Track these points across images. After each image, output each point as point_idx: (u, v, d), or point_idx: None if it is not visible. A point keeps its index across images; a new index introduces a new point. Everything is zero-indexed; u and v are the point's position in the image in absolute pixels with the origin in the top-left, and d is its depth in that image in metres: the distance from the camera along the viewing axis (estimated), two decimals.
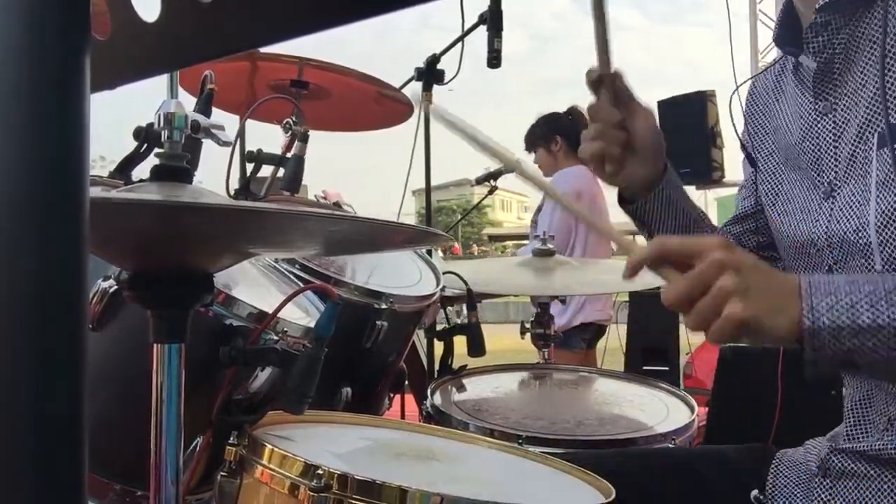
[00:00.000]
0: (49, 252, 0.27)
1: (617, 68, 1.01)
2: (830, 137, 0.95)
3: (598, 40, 0.99)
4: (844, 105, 0.93)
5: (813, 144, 0.97)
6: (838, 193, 0.93)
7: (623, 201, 1.12)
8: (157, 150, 0.82)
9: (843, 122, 0.93)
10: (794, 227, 1.00)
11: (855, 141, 0.91)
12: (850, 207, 0.90)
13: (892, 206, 0.84)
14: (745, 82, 1.15)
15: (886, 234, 0.85)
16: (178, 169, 0.79)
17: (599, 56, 1.01)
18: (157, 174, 0.79)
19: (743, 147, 1.13)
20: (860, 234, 0.88)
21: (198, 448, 1.02)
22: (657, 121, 1.07)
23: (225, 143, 0.95)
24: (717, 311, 0.75)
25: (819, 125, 0.96)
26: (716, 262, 0.75)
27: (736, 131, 1.14)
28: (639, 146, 1.04)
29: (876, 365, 0.78)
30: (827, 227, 0.93)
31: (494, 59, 2.26)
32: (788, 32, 1.00)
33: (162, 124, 0.80)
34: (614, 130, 1.02)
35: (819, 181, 0.96)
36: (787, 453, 1.06)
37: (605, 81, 1.02)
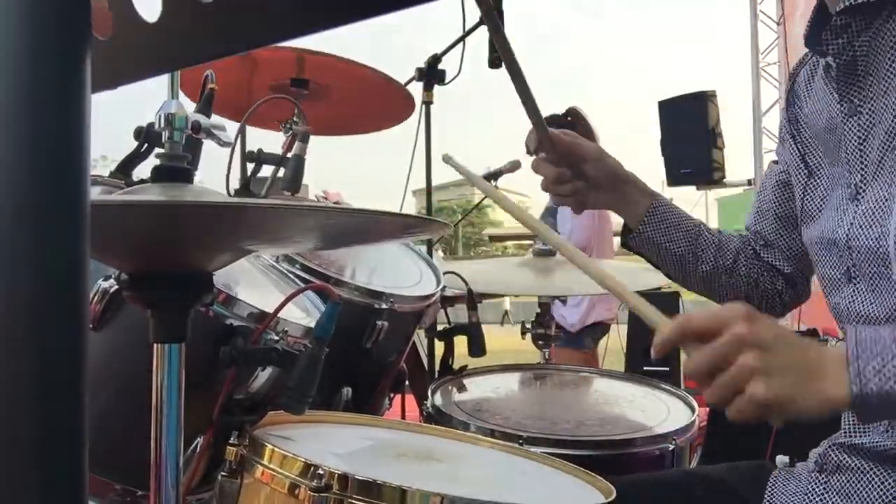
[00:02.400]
0: (50, 252, 0.27)
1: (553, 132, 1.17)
2: (856, 140, 0.94)
3: (526, 104, 1.11)
4: (870, 109, 0.92)
5: (840, 145, 0.97)
6: (863, 197, 0.92)
7: (625, 244, 1.26)
8: (157, 150, 0.82)
9: (867, 126, 0.93)
10: (823, 224, 1.00)
11: (882, 147, 0.90)
12: (873, 214, 0.90)
13: None
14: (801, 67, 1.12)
15: None
16: (178, 170, 0.79)
17: (531, 118, 1.13)
18: (158, 175, 0.79)
19: (792, 138, 1.10)
20: (880, 243, 0.88)
21: (198, 448, 1.02)
22: (604, 156, 1.20)
23: (226, 144, 0.95)
24: (738, 389, 0.73)
25: (845, 126, 0.95)
26: (736, 337, 0.73)
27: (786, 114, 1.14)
28: (594, 183, 1.20)
29: None
30: (849, 230, 0.93)
31: (496, 60, 2.26)
32: (818, 32, 0.97)
33: (163, 125, 0.80)
34: (560, 183, 1.18)
35: (848, 181, 0.95)
36: (783, 470, 1.06)
37: (544, 142, 1.16)
